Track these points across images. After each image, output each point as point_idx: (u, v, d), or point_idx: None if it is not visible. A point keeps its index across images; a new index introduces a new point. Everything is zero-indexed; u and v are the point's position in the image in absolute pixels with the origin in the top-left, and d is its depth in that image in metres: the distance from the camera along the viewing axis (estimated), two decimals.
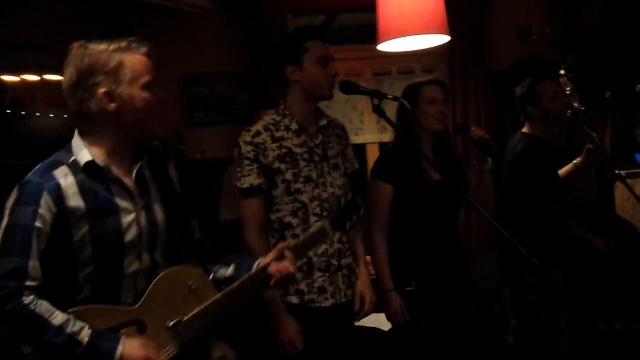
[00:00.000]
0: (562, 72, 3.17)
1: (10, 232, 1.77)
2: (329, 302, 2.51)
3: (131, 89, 1.86)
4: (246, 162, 2.48)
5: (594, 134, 3.04)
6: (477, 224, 4.47)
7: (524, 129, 3.24)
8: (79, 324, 1.76)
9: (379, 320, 3.10)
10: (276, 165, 2.48)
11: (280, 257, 2.03)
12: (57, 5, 3.92)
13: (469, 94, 4.62)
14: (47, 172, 1.83)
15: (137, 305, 1.88)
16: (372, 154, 4.85)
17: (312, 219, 2.50)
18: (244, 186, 2.49)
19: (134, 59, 1.87)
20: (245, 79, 4.42)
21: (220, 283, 2.04)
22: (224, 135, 4.37)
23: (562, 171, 3.34)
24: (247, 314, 2.64)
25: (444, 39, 3.34)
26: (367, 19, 4.68)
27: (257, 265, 2.04)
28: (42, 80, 3.74)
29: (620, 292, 3.33)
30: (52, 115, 3.72)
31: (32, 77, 3.80)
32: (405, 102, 2.66)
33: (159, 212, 1.98)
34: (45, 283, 1.77)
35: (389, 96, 2.42)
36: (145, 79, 1.88)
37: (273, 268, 2.02)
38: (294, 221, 2.50)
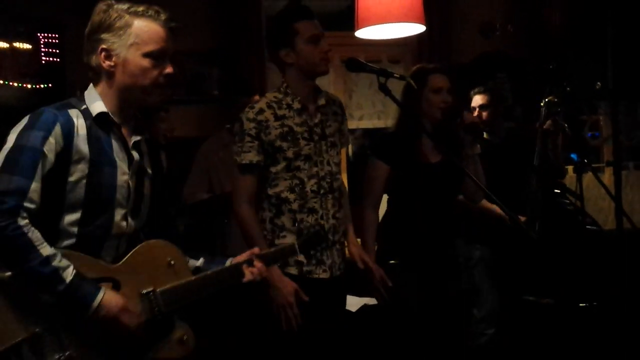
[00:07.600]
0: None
1: (16, 152, 1.76)
2: (327, 274, 2.58)
3: (129, 52, 1.87)
4: (247, 138, 2.51)
5: (565, 125, 3.20)
6: None
7: None
8: (65, 262, 1.76)
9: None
10: (278, 143, 2.52)
11: (250, 262, 2.08)
12: None
13: None
14: (62, 109, 1.85)
15: (116, 265, 1.91)
16: None
17: (310, 195, 2.57)
18: (243, 162, 2.52)
19: (144, 25, 1.88)
20: (215, 57, 4.41)
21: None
22: (193, 113, 4.36)
23: None
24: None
25: (420, 28, 3.41)
26: (335, 6, 4.76)
27: (230, 262, 2.08)
28: (12, 47, 3.64)
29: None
30: (19, 85, 3.61)
31: (1, 44, 3.67)
32: (412, 82, 2.72)
33: (147, 186, 2.01)
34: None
35: (395, 75, 2.47)
36: (149, 47, 1.88)
37: (246, 268, 2.07)
38: (291, 197, 2.55)
